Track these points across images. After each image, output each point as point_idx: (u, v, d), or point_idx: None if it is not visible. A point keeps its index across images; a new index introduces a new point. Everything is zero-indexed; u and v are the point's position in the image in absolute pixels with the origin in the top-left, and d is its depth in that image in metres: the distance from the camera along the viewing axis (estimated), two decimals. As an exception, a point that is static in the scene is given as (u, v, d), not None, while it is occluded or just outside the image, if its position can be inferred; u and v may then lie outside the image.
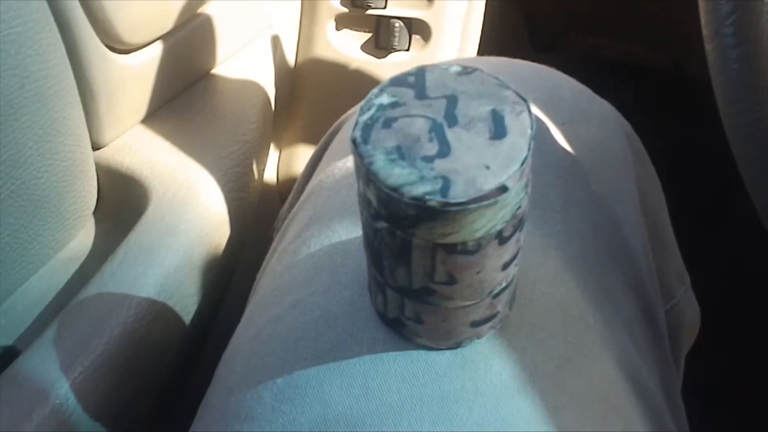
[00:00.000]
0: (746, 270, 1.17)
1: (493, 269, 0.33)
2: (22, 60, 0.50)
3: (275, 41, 0.85)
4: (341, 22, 0.88)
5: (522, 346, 0.41)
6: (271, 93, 0.81)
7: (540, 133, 0.52)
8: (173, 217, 0.61)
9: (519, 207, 0.32)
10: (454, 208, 0.28)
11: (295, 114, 0.91)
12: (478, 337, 0.39)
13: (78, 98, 0.57)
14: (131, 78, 0.65)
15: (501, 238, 0.32)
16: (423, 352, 0.39)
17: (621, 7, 1.13)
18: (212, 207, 0.64)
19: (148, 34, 0.65)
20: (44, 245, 0.56)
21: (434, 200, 0.28)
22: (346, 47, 0.88)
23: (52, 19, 0.54)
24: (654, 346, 0.51)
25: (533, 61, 0.61)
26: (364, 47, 0.88)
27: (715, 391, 1.07)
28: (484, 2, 0.87)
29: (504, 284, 0.36)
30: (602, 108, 0.58)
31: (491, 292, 0.35)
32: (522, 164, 0.30)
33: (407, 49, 0.87)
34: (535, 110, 0.53)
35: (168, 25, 0.67)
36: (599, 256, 0.49)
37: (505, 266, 0.34)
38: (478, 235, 0.30)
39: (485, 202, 0.29)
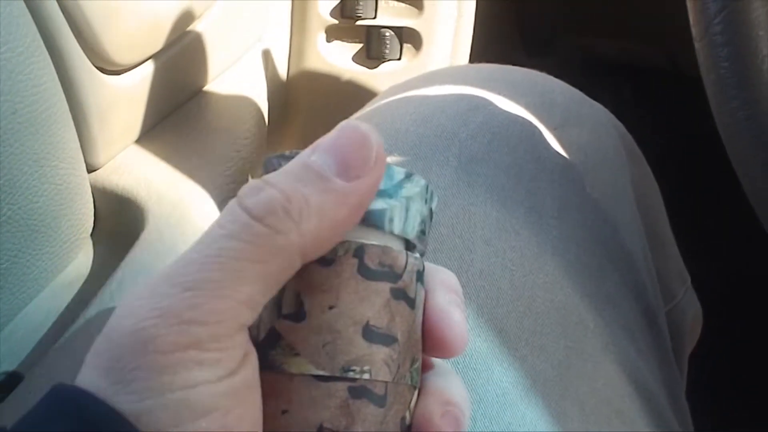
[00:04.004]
0: (748, 268, 1.17)
1: (351, 319, 0.27)
2: (13, 85, 0.50)
3: (266, 55, 0.85)
4: (332, 33, 0.88)
5: (522, 354, 0.41)
6: (264, 107, 0.81)
7: (532, 137, 0.52)
8: (171, 237, 0.61)
9: (398, 233, 0.28)
10: None
11: (289, 127, 0.91)
12: None
13: (71, 121, 0.57)
14: (123, 99, 0.65)
15: (364, 267, 0.27)
16: None
17: (613, 6, 1.13)
18: (209, 225, 0.64)
19: (138, 54, 0.65)
20: (42, 269, 0.56)
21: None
22: (338, 59, 0.88)
23: (42, 42, 0.54)
24: (656, 348, 0.50)
25: (527, 65, 0.61)
26: (356, 58, 0.88)
27: (719, 392, 1.07)
28: (474, 8, 0.87)
29: (366, 373, 0.27)
30: (595, 110, 0.58)
31: (347, 368, 0.26)
32: (409, 179, 0.28)
33: (399, 58, 0.87)
34: (527, 114, 0.53)
35: (158, 44, 0.67)
36: (597, 261, 0.49)
37: (369, 333, 0.27)
38: None
39: None
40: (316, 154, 0.25)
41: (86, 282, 0.61)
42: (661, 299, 0.55)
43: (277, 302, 0.27)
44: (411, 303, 0.28)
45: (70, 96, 0.59)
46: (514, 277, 0.44)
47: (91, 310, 0.57)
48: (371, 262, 0.27)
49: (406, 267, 0.28)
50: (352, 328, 0.27)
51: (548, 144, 0.52)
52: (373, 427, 0.27)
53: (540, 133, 0.52)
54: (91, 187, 0.63)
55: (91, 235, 0.63)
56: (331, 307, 0.27)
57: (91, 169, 0.65)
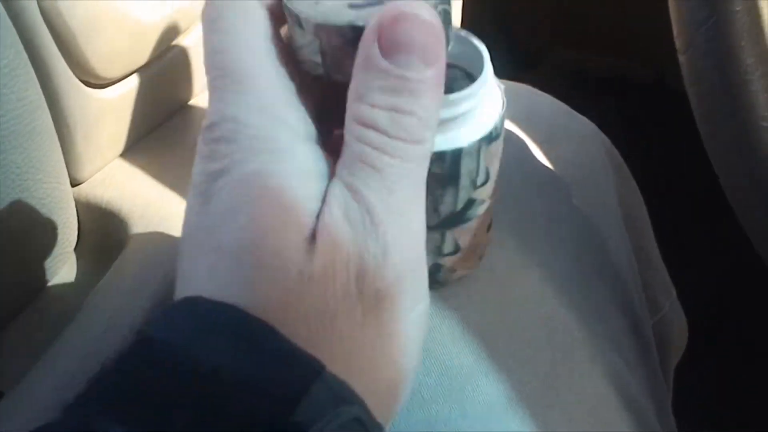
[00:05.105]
0: (733, 279, 1.17)
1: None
2: (-4, 99, 0.49)
3: (253, 70, 0.85)
4: (318, 48, 0.88)
5: (509, 366, 0.40)
6: (250, 122, 0.81)
7: (519, 150, 0.52)
8: (154, 251, 0.61)
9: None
10: None
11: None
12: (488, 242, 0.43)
13: (55, 135, 0.57)
14: (108, 112, 0.65)
15: None
16: None
17: (602, 21, 1.13)
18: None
19: (123, 68, 0.65)
20: (25, 285, 0.56)
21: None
22: (324, 72, 0.88)
23: (26, 56, 0.54)
24: (642, 360, 0.50)
25: (514, 79, 0.61)
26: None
27: (704, 403, 1.07)
28: (460, 22, 0.87)
29: (484, 178, 0.38)
30: (581, 124, 0.58)
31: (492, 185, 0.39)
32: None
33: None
34: (514, 128, 0.53)
35: (143, 58, 0.66)
36: (584, 272, 0.49)
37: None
38: None
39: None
40: (397, 57, 0.24)
41: (70, 296, 0.61)
42: (648, 311, 0.55)
43: (475, 168, 0.36)
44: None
45: (54, 109, 0.59)
46: (501, 288, 0.44)
47: (74, 325, 0.56)
48: None
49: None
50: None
51: (534, 157, 0.52)
52: None
53: (526, 146, 0.52)
54: (75, 201, 0.62)
55: (75, 249, 0.62)
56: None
57: (75, 183, 0.65)
